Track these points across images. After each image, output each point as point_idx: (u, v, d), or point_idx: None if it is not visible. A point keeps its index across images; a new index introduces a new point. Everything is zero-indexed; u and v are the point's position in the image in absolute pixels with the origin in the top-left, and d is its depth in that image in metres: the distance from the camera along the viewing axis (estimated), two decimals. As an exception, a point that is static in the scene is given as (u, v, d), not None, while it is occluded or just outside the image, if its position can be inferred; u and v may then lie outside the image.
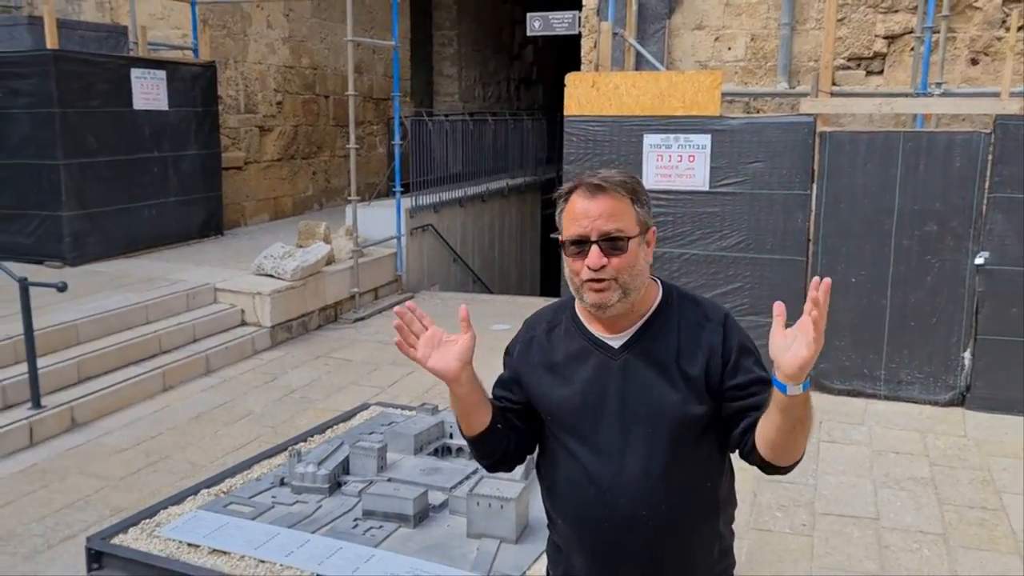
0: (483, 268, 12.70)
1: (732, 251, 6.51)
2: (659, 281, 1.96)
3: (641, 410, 1.85)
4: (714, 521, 1.94)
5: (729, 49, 8.92)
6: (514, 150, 13.89)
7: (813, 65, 8.41)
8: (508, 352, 2.09)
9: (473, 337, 1.87)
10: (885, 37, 8.49)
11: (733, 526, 2.04)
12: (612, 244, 1.81)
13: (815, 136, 6.25)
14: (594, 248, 1.80)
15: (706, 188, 6.51)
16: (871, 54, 8.55)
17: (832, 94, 6.96)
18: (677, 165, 6.55)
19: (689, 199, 6.57)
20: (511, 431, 2.00)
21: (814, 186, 6.30)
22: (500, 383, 2.08)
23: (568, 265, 1.86)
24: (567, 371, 1.93)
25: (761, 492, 4.83)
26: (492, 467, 2.07)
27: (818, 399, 6.34)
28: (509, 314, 9.17)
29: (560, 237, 1.90)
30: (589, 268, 1.81)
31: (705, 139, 6.44)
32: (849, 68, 8.59)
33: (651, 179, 6.62)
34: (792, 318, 6.32)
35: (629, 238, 1.82)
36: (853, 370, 6.36)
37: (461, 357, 1.86)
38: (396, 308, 1.89)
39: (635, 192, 1.86)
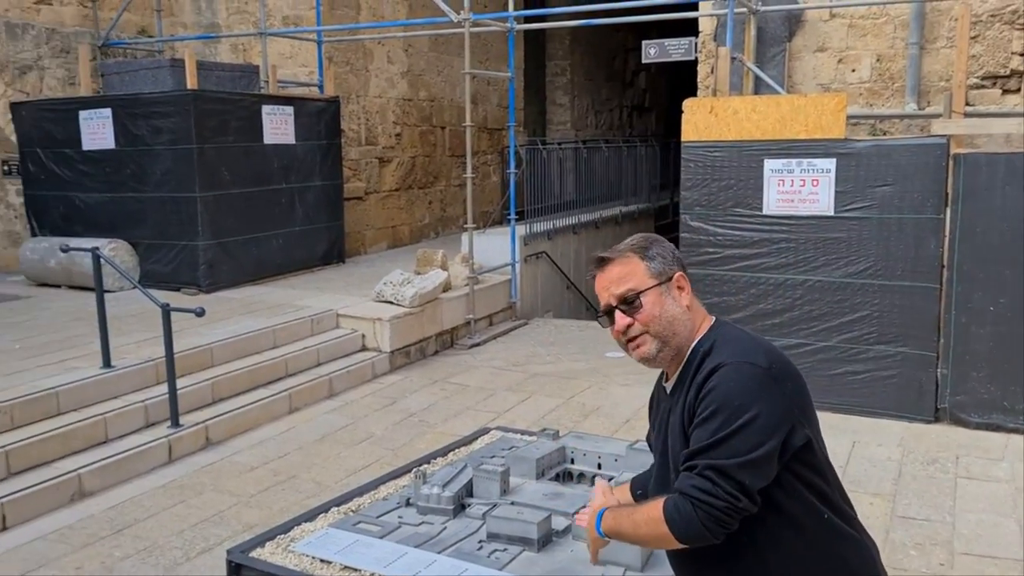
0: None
1: (859, 278, 6.28)
2: (714, 323, 2.01)
3: (671, 460, 1.96)
4: (753, 568, 1.89)
5: (853, 71, 8.67)
6: (627, 177, 13.86)
7: (944, 85, 8.08)
8: None
9: None
10: (1022, 54, 8.08)
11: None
12: (629, 305, 1.96)
13: (948, 158, 6.00)
14: (616, 313, 1.98)
15: (831, 213, 6.32)
16: (1007, 72, 8.15)
17: (966, 114, 6.66)
18: (800, 190, 6.40)
19: (813, 224, 6.40)
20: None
21: (948, 210, 6.03)
22: None
23: (612, 335, 2.05)
24: (654, 418, 2.16)
25: (894, 530, 4.62)
26: None
27: (955, 433, 6.05)
28: (624, 341, 9.11)
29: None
30: (619, 332, 1.99)
31: (829, 163, 6.27)
32: (983, 87, 8.21)
33: (772, 204, 6.49)
34: (921, 347, 6.07)
35: (640, 293, 1.95)
36: (992, 403, 6.02)
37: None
38: None
39: (644, 249, 2.01)
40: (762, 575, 1.86)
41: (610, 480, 2.38)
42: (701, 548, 1.82)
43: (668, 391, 2.04)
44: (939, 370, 6.17)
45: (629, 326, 1.96)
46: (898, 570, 4.20)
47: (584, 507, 2.60)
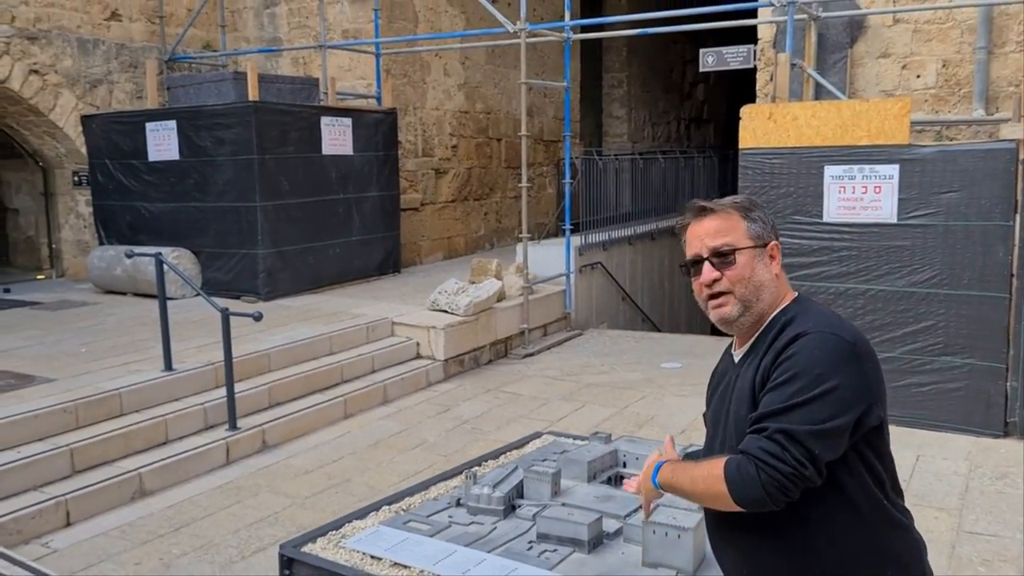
0: (652, 306, 12.56)
1: (924, 287, 6.11)
2: (796, 297, 1.98)
3: (731, 427, 1.91)
4: (810, 556, 1.80)
5: (918, 77, 8.47)
6: (684, 188, 13.74)
7: (1013, 90, 7.84)
8: None
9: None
10: (1096, 57, 7.81)
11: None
12: (722, 259, 1.92)
13: (1018, 163, 5.80)
14: (705, 265, 1.94)
15: (894, 220, 6.16)
16: (1079, 76, 7.88)
17: (1036, 119, 6.45)
18: (862, 197, 6.26)
19: (875, 232, 6.25)
20: None
21: (1017, 216, 5.83)
22: None
23: (693, 288, 2.00)
24: (716, 386, 2.11)
25: (960, 545, 4.45)
26: None
27: (1025, 448, 5.82)
28: (679, 352, 9.01)
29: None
30: (703, 285, 1.94)
31: (892, 169, 6.12)
32: (1054, 91, 7.94)
33: (832, 211, 6.35)
34: (989, 359, 5.88)
35: (737, 250, 1.91)
36: (1065, 417, 5.79)
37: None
38: None
39: (746, 209, 1.97)
40: (811, 553, 1.80)
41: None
42: (750, 516, 1.76)
43: (736, 360, 2.01)
44: (1008, 383, 5.95)
45: (716, 280, 1.92)
46: (965, 586, 4.05)
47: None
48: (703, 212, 1.98)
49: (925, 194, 6.06)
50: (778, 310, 1.93)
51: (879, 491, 1.84)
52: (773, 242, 1.97)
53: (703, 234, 1.95)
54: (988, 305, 5.94)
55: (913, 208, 6.11)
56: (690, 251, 1.99)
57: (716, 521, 1.95)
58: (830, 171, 6.35)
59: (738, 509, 1.75)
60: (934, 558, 4.30)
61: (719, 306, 1.94)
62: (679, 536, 2.90)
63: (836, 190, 6.35)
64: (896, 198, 6.14)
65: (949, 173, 5.98)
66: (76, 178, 11.11)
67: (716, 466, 1.77)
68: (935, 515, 4.79)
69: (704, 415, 2.22)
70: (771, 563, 1.84)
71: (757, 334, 1.93)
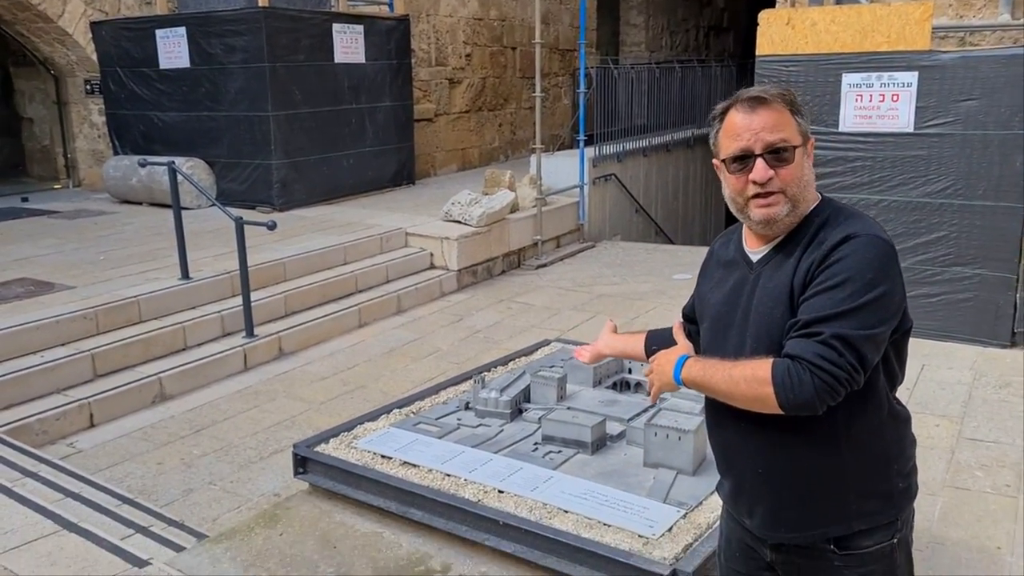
0: (666, 219, 12.52)
1: (938, 197, 6.06)
2: (821, 197, 1.90)
3: (755, 328, 1.83)
4: (831, 452, 1.82)
5: (943, -20, 8.20)
6: (701, 99, 13.50)
7: (1042, -6, 7.58)
8: None
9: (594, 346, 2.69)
10: None
11: (898, 478, 1.90)
12: (777, 156, 1.79)
13: (1040, 70, 5.67)
14: (759, 161, 1.79)
15: (910, 129, 6.07)
16: (1112, -21, 7.60)
17: (1063, 24, 6.27)
18: (879, 105, 6.15)
19: (891, 142, 6.16)
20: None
21: (1037, 125, 5.73)
22: (688, 301, 2.21)
23: (730, 184, 1.86)
24: (720, 281, 1.99)
25: (960, 450, 4.54)
26: None
27: (1032, 357, 5.86)
28: (692, 264, 9.02)
29: (718, 158, 1.89)
30: (755, 183, 1.80)
31: (911, 76, 6.00)
32: (1085, -4, 7.68)
33: (849, 121, 6.26)
34: (1000, 270, 5.87)
35: (795, 147, 1.80)
36: (1074, 328, 5.81)
37: (594, 355, 2.71)
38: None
39: (793, 103, 1.85)
40: (832, 448, 1.81)
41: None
42: (775, 415, 1.73)
43: (754, 258, 1.90)
44: (1018, 293, 5.95)
45: (770, 179, 1.78)
46: (961, 490, 4.15)
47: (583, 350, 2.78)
48: (758, 102, 1.81)
49: (944, 102, 5.95)
50: (810, 210, 1.85)
51: (890, 388, 1.88)
52: (812, 139, 1.88)
53: (759, 127, 1.79)
54: (1002, 215, 5.90)
55: (931, 117, 6.00)
56: (736, 144, 1.81)
57: (730, 420, 1.88)
58: (848, 79, 6.23)
59: (777, 412, 1.71)
60: (934, 463, 4.42)
61: (768, 205, 1.80)
62: (679, 438, 2.99)
63: (853, 98, 6.25)
64: (914, 107, 6.03)
65: (969, 80, 5.85)
66: (88, 86, 11.05)
67: (760, 368, 1.71)
68: (936, 422, 4.87)
69: (690, 307, 2.18)
70: (791, 459, 1.84)
71: (785, 235, 1.85)
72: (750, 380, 1.72)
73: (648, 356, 2.23)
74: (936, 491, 4.12)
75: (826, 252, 1.74)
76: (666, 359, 1.95)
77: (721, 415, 1.92)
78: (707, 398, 1.95)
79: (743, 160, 1.81)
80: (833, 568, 1.87)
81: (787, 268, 1.81)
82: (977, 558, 3.59)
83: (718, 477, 2.10)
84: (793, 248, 1.83)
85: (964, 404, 5.15)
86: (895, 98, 6.08)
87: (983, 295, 6.04)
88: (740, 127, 1.81)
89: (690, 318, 2.20)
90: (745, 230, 1.96)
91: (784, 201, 1.80)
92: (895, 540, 1.88)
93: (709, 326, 1.99)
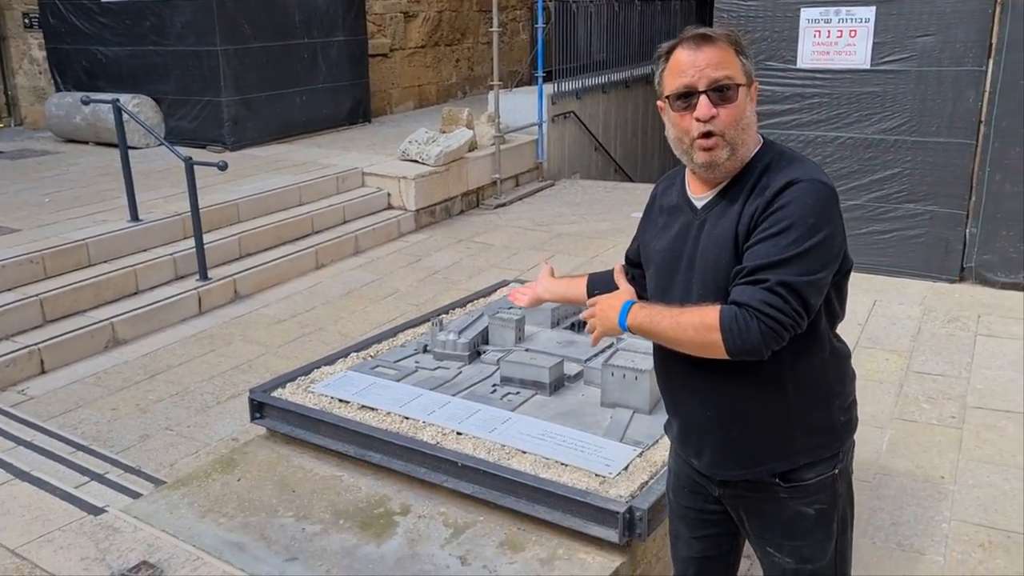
0: (625, 156, 12.48)
1: (892, 134, 6.10)
2: (763, 141, 1.89)
3: (701, 275, 1.84)
4: (777, 392, 1.85)
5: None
6: (661, 35, 13.35)
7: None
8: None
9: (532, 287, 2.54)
10: None
11: (839, 413, 1.95)
12: (721, 94, 1.78)
13: (996, 4, 5.67)
14: (703, 98, 1.77)
15: (867, 66, 6.07)
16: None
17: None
18: (836, 41, 6.13)
19: (848, 78, 6.16)
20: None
21: (990, 61, 5.76)
22: (634, 239, 2.20)
23: (675, 124, 1.84)
24: (664, 227, 1.98)
25: (908, 383, 4.66)
26: None
27: (979, 293, 6.01)
28: (650, 202, 9.03)
29: (662, 98, 1.87)
30: (698, 120, 1.78)
31: (869, 11, 5.97)
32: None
33: (807, 57, 6.24)
34: (951, 206, 5.94)
35: (739, 86, 1.79)
36: (1020, 262, 5.94)
37: (531, 298, 2.56)
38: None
39: (738, 43, 1.84)
40: (779, 388, 1.85)
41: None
42: (724, 360, 1.76)
43: (698, 204, 1.90)
44: (968, 229, 6.06)
45: (713, 118, 1.76)
46: (908, 421, 4.27)
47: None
48: (703, 40, 1.79)
49: (900, 38, 5.95)
50: (752, 154, 1.85)
51: (831, 327, 1.91)
52: (755, 82, 1.87)
53: (703, 64, 1.76)
54: (954, 152, 5.96)
55: (887, 53, 6.01)
56: (680, 80, 1.79)
57: (677, 364, 1.91)
58: (806, 14, 6.19)
59: (723, 357, 1.73)
60: (883, 397, 4.53)
61: (710, 148, 1.78)
62: (636, 378, 3.02)
63: (811, 34, 6.22)
64: (871, 42, 6.03)
65: (926, 16, 5.85)
66: (27, 20, 10.60)
67: (708, 315, 1.72)
68: (886, 356, 4.98)
69: (634, 251, 2.19)
70: (739, 400, 1.87)
71: (728, 180, 1.85)
72: (698, 327, 1.73)
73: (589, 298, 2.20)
74: (884, 424, 4.24)
75: (769, 199, 1.75)
76: (609, 304, 1.91)
77: (669, 360, 1.94)
78: (655, 343, 1.96)
79: (687, 97, 1.79)
80: (779, 500, 1.93)
81: (731, 215, 1.81)
82: (922, 487, 3.71)
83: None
84: (737, 194, 1.83)
85: (913, 338, 5.27)
86: (852, 34, 6.06)
87: (934, 231, 6.14)
88: (685, 64, 1.79)
89: (633, 262, 2.19)
90: (688, 175, 1.95)
91: (724, 145, 1.79)
92: (836, 471, 1.94)
93: (655, 272, 1.98)
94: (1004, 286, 6.00)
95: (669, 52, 1.85)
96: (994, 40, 5.72)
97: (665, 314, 1.79)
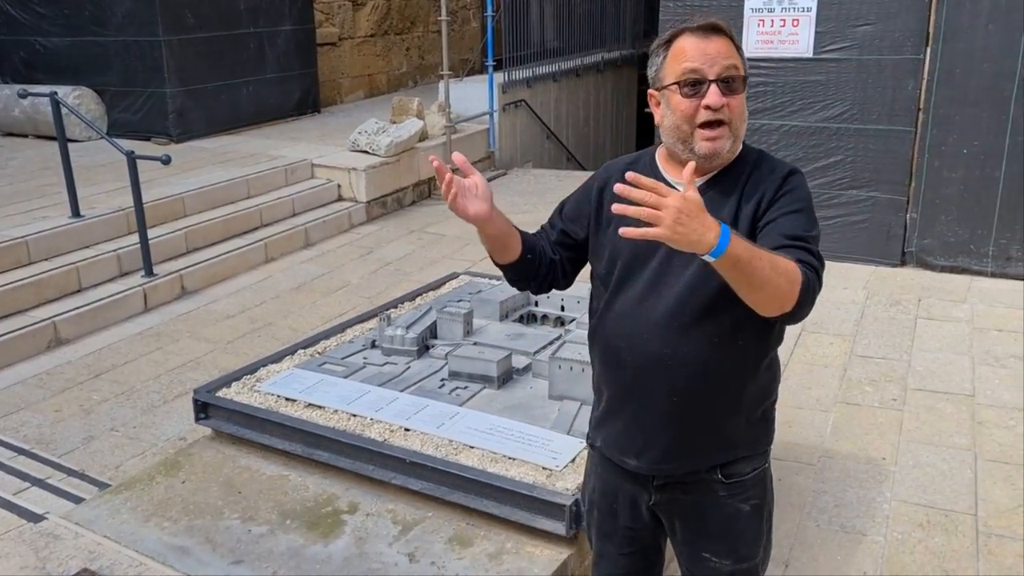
0: (577, 145, 12.51)
1: (835, 122, 6.20)
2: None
3: (688, 261, 1.78)
4: (743, 379, 1.87)
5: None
6: (610, 23, 13.38)
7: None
8: (585, 188, 2.04)
9: (481, 177, 1.88)
10: None
11: (771, 408, 2.00)
12: (729, 85, 1.76)
13: (933, -6, 5.80)
14: (713, 87, 1.75)
15: (810, 55, 6.16)
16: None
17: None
18: (780, 30, 6.21)
19: (791, 67, 6.25)
20: (542, 261, 2.01)
21: (928, 50, 5.89)
22: (564, 216, 2.06)
23: (679, 110, 1.78)
24: (591, 205, 1.95)
25: (851, 367, 4.76)
26: (524, 290, 2.15)
27: (920, 276, 6.15)
28: (602, 190, 9.07)
29: (656, 87, 1.84)
30: (709, 108, 1.75)
31: (811, 1, 6.06)
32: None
33: (752, 47, 6.31)
34: (892, 192, 6.07)
35: (745, 79, 1.81)
36: (959, 246, 6.09)
37: (486, 198, 1.87)
38: (436, 164, 1.81)
39: (735, 38, 1.85)
40: (747, 373, 1.88)
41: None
42: (693, 347, 1.78)
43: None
44: (908, 214, 6.20)
45: (723, 107, 1.74)
46: (851, 405, 4.36)
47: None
48: (714, 30, 1.78)
49: (842, 27, 6.05)
50: (739, 150, 1.86)
51: None
52: (747, 78, 1.88)
53: (715, 53, 1.75)
54: (895, 139, 6.09)
55: (829, 42, 6.10)
56: (689, 67, 1.76)
57: (641, 357, 1.84)
58: (750, 3, 6.26)
59: (771, 312, 1.66)
60: (827, 380, 4.62)
61: (716, 137, 1.77)
62: (583, 370, 3.04)
63: (756, 23, 6.29)
64: (813, 31, 6.12)
65: (866, 5, 5.95)
66: (-41, 11, 10.26)
67: (791, 267, 1.63)
68: (831, 341, 5.08)
69: (564, 232, 2.04)
70: (712, 386, 1.84)
71: (720, 169, 1.84)
72: (786, 272, 1.62)
73: (525, 255, 1.99)
74: (828, 407, 4.33)
75: (779, 183, 1.79)
76: (700, 220, 1.53)
77: (623, 351, 1.87)
78: (599, 334, 1.93)
79: (696, 85, 1.76)
80: (717, 498, 1.93)
81: (727, 207, 1.80)
82: (864, 468, 3.80)
83: None
84: (730, 185, 1.82)
85: (857, 323, 5.38)
86: (796, 23, 6.14)
87: (876, 217, 6.27)
88: (694, 52, 1.77)
89: (564, 242, 2.04)
90: (663, 161, 1.90)
91: (728, 135, 1.78)
92: (766, 465, 1.99)
93: (629, 256, 1.87)
94: (943, 269, 6.15)
95: (670, 41, 1.83)
96: (931, 29, 5.84)
97: (763, 252, 1.61)
